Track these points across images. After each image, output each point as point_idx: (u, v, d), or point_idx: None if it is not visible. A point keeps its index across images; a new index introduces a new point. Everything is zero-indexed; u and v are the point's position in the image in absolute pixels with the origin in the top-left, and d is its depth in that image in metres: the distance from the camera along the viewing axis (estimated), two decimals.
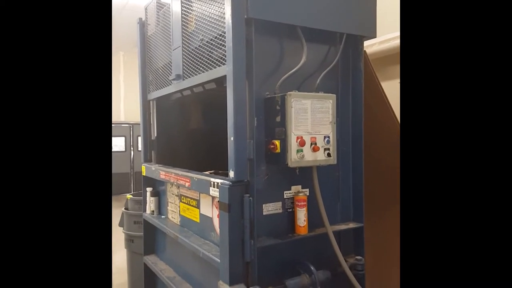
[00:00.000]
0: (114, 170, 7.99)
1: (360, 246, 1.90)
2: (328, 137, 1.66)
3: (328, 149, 1.66)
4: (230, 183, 1.54)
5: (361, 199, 1.90)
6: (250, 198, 1.54)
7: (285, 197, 1.73)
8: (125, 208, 3.16)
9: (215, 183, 1.64)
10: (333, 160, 1.67)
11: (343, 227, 1.87)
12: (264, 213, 1.66)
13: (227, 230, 1.52)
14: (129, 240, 3.08)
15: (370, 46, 2.43)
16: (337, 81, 1.92)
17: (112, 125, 8.31)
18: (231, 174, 1.55)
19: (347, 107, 1.93)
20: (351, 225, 1.89)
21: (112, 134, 8.45)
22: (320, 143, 1.64)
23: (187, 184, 1.93)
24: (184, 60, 2.03)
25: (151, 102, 2.65)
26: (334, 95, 1.70)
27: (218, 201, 1.60)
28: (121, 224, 3.19)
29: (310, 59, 1.77)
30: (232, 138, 1.54)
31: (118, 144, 8.67)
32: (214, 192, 1.65)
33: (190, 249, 1.91)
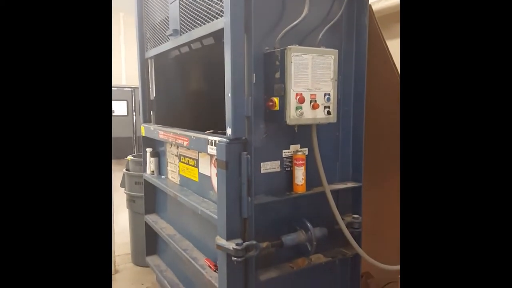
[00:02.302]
0: (117, 134, 8.01)
1: (358, 205, 1.91)
2: (329, 94, 1.62)
3: (328, 107, 1.62)
4: (228, 140, 1.52)
5: (361, 159, 1.88)
6: (248, 156, 1.52)
7: (283, 156, 1.71)
8: (126, 169, 3.18)
9: (213, 141, 1.62)
10: (333, 118, 1.64)
11: (341, 186, 1.87)
12: (262, 171, 1.65)
13: (224, 187, 1.52)
14: (131, 201, 3.12)
15: (377, 2, 2.31)
16: (340, 37, 1.84)
17: (114, 89, 8.22)
18: (228, 131, 1.52)
19: (350, 65, 1.87)
20: (350, 184, 1.89)
21: (114, 98, 8.39)
22: (320, 100, 1.60)
23: (185, 143, 1.92)
24: (181, 14, 1.95)
25: (149, 60, 2.58)
26: (336, 50, 1.63)
27: (216, 159, 1.58)
28: (122, 185, 3.23)
29: (313, 13, 1.69)
30: (229, 95, 1.50)
31: (120, 108, 8.62)
32: (212, 150, 1.63)
33: (189, 207, 1.93)
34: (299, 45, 1.61)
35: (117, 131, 8.00)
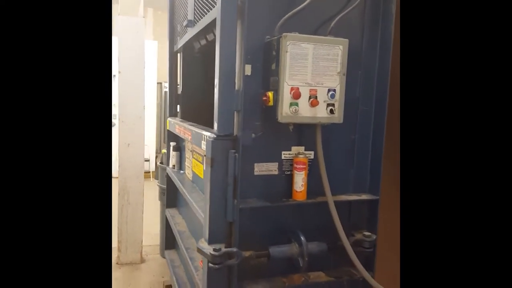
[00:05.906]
0: None
1: (373, 221, 1.64)
2: (334, 90, 1.40)
3: (333, 104, 1.40)
4: (215, 136, 1.40)
5: (380, 167, 1.62)
6: (236, 154, 1.39)
7: (283, 157, 1.54)
8: (160, 162, 3.24)
9: (205, 136, 1.51)
10: (338, 118, 1.42)
11: (354, 197, 1.63)
12: (255, 173, 1.50)
13: (209, 186, 1.41)
14: (161, 193, 3.17)
15: None
16: (362, 27, 1.60)
17: None
18: (215, 126, 1.40)
19: (373, 59, 1.62)
20: (365, 196, 1.64)
21: None
22: (322, 97, 1.39)
23: (189, 138, 1.85)
24: (195, 4, 1.88)
25: (178, 54, 2.57)
26: (346, 40, 1.41)
27: (204, 155, 1.48)
28: (156, 177, 3.29)
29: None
30: (217, 87, 1.38)
31: None
32: (204, 145, 1.53)
33: (190, 205, 1.85)
34: (313, 34, 1.42)
35: None
